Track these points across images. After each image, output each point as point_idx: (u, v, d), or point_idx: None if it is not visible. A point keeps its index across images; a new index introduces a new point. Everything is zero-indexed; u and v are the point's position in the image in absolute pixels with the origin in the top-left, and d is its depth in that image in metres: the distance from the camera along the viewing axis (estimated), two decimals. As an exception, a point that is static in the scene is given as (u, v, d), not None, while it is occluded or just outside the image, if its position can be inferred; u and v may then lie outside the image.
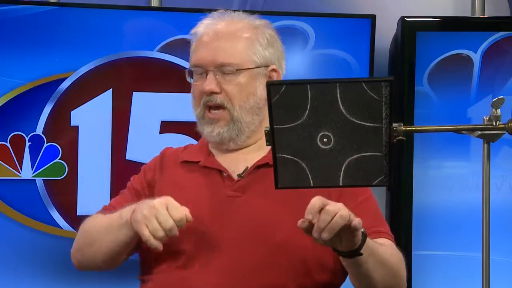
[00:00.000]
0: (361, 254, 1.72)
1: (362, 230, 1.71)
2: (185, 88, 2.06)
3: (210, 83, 1.92)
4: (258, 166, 1.94)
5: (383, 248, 1.82)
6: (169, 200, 1.78)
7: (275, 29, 2.03)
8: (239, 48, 1.93)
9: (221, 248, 1.86)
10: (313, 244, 1.85)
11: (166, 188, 1.93)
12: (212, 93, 1.92)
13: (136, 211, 1.80)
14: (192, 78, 1.97)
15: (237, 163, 1.96)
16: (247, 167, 1.94)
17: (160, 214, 1.75)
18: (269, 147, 1.96)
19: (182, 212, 1.77)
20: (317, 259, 1.89)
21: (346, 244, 1.70)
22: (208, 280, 1.84)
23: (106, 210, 1.98)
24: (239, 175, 1.93)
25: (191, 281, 1.85)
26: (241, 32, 1.95)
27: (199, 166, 1.96)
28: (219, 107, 1.93)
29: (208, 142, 2.02)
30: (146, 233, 1.75)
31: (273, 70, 1.98)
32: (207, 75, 1.93)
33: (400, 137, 1.61)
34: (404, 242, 3.21)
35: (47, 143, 2.96)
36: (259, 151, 1.97)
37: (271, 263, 1.85)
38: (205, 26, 1.97)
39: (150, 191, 1.97)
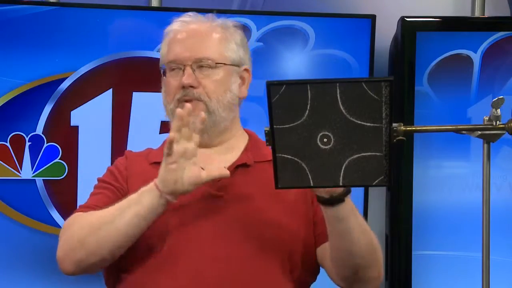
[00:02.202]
0: (343, 201, 1.70)
1: None
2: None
3: (188, 77, 1.92)
4: (236, 167, 1.94)
5: (364, 220, 1.82)
6: None
7: (243, 33, 2.04)
8: (215, 44, 1.95)
9: (209, 246, 1.86)
10: (300, 240, 1.89)
11: None
12: (190, 87, 1.92)
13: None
14: (165, 76, 1.98)
15: (210, 163, 1.93)
16: (225, 167, 1.92)
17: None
18: (240, 149, 1.98)
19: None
20: (303, 255, 1.90)
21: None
22: (193, 279, 1.84)
23: (89, 208, 1.92)
24: None
25: (176, 279, 1.85)
26: (215, 30, 1.97)
27: None
28: (195, 100, 1.93)
29: None
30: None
31: (246, 70, 2.00)
32: (183, 71, 1.93)
33: (400, 137, 1.62)
34: (404, 242, 3.21)
35: (47, 143, 2.96)
36: (231, 152, 1.98)
37: (261, 261, 1.86)
38: (178, 25, 1.98)
39: (128, 188, 1.95)
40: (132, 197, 1.83)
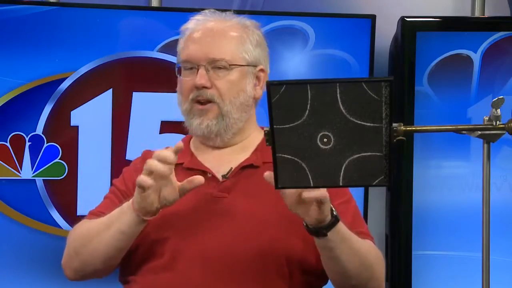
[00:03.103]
0: (326, 235, 1.70)
1: (334, 213, 1.70)
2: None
3: (201, 78, 1.92)
4: (243, 167, 1.94)
5: (358, 240, 1.81)
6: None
7: (262, 31, 2.05)
8: (231, 44, 1.95)
9: (208, 248, 1.86)
10: (299, 244, 1.88)
11: None
12: (203, 87, 1.92)
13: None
14: (180, 75, 1.98)
15: (220, 163, 1.95)
16: (231, 168, 1.94)
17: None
18: (253, 149, 1.98)
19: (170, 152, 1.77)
20: (302, 260, 1.89)
21: (314, 217, 1.68)
22: (194, 280, 1.84)
23: (94, 215, 1.95)
24: (223, 176, 1.93)
25: (178, 280, 1.85)
26: (232, 30, 1.96)
27: (182, 168, 1.94)
28: (209, 101, 1.93)
29: (190, 142, 2.03)
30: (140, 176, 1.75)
31: (261, 70, 2.00)
32: (198, 70, 1.93)
33: (400, 137, 1.61)
34: (404, 242, 3.21)
35: (47, 143, 2.96)
36: (243, 152, 1.98)
37: (258, 263, 1.86)
38: (195, 23, 1.97)
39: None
40: (115, 212, 1.85)
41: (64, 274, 1.94)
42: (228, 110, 1.93)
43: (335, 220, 1.71)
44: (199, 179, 1.80)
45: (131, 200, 1.81)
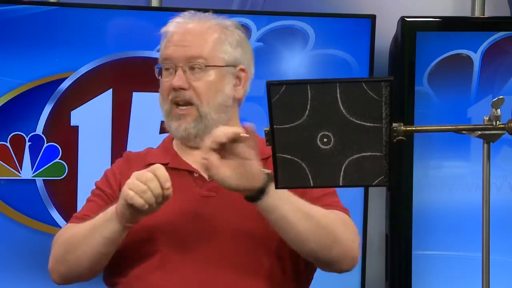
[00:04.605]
0: (259, 199, 1.73)
1: (267, 171, 1.72)
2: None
3: (179, 79, 1.92)
4: None
5: (313, 206, 1.82)
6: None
7: (244, 31, 2.04)
8: (208, 45, 1.94)
9: (200, 248, 1.85)
10: None
11: None
12: (180, 89, 1.92)
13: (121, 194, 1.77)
14: (161, 76, 1.98)
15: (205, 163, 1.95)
16: None
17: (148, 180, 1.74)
18: None
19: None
20: (294, 254, 1.88)
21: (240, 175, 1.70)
22: (186, 280, 1.84)
23: (79, 219, 1.93)
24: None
25: (168, 281, 1.84)
26: (211, 30, 1.96)
27: (167, 168, 1.89)
28: (187, 103, 1.93)
29: (172, 142, 2.02)
30: (130, 193, 1.72)
31: (242, 70, 1.99)
32: (175, 71, 1.93)
33: (400, 137, 1.61)
34: (404, 242, 3.21)
35: (47, 143, 2.96)
36: None
37: (252, 260, 1.86)
38: (175, 25, 1.97)
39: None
40: (100, 218, 1.83)
41: (51, 278, 1.91)
42: (207, 111, 1.93)
43: (268, 179, 1.72)
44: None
45: (114, 206, 1.80)
